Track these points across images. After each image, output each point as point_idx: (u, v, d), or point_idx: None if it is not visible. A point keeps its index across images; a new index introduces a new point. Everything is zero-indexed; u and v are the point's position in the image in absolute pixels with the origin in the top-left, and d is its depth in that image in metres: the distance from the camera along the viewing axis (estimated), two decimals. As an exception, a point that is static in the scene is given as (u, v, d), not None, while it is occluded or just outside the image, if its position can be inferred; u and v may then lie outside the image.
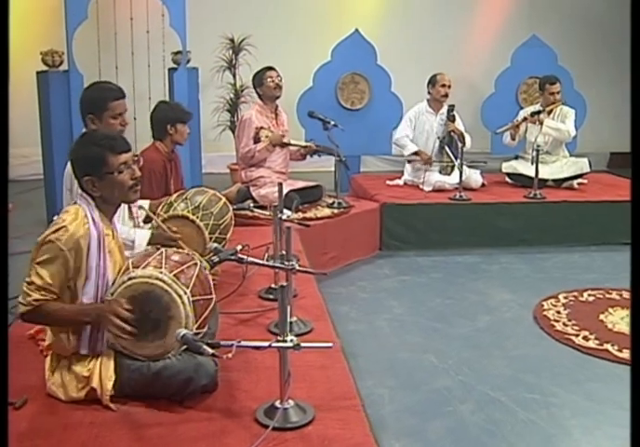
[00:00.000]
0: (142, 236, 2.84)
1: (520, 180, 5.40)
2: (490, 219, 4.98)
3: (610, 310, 3.77)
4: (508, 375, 3.01)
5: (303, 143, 4.94)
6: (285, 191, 4.42)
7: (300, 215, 4.48)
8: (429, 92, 5.46)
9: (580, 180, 5.51)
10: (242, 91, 7.02)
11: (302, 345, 1.93)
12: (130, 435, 1.92)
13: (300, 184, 4.77)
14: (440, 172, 5.35)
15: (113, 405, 2.03)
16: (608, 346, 3.29)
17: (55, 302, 2.03)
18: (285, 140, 4.78)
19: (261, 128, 4.69)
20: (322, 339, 2.50)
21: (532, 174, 5.22)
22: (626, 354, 3.21)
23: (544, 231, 5.03)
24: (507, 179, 5.56)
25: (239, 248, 2.66)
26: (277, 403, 1.99)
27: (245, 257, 2.61)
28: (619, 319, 3.64)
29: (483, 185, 5.41)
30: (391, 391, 2.86)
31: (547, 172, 5.44)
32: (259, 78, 4.76)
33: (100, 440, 1.90)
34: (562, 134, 5.39)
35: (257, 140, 4.67)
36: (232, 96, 7.07)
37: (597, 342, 3.35)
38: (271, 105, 4.81)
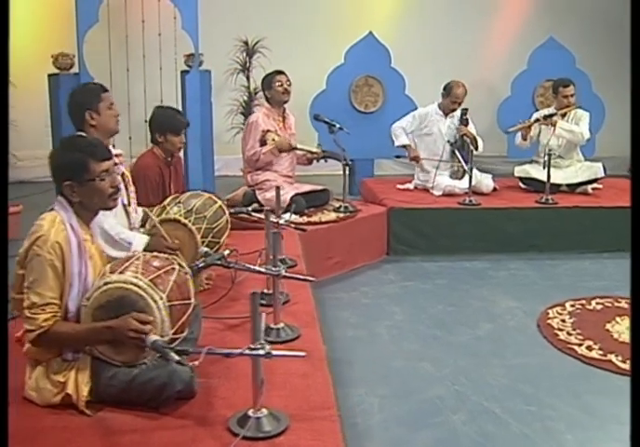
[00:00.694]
0: (140, 241, 2.81)
1: (533, 184, 5.30)
2: (500, 224, 4.89)
3: (618, 319, 3.67)
4: (505, 385, 2.94)
5: (312, 149, 4.88)
6: (290, 195, 4.46)
7: (305, 219, 4.46)
8: (442, 97, 5.38)
9: (594, 185, 5.39)
10: (256, 94, 7.03)
11: (274, 353, 1.89)
12: (102, 441, 1.90)
13: (307, 188, 4.74)
14: (451, 177, 5.27)
15: (89, 411, 2.02)
16: (612, 357, 3.20)
17: (63, 322, 2.02)
18: (292, 144, 4.75)
19: (268, 131, 4.67)
20: (308, 346, 2.46)
21: (545, 179, 5.13)
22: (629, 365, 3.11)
23: (555, 237, 4.93)
24: (520, 183, 5.46)
25: (227, 252, 2.64)
26: (250, 412, 1.95)
27: (232, 262, 2.59)
28: (625, 329, 3.53)
29: (495, 190, 5.32)
30: (382, 400, 2.81)
31: (560, 177, 5.33)
32: (267, 82, 4.74)
33: (71, 444, 1.88)
34: (575, 136, 5.28)
35: (263, 142, 4.65)
36: (245, 98, 7.07)
37: (601, 352, 3.25)
38: (278, 109, 4.79)
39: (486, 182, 5.26)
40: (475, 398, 2.82)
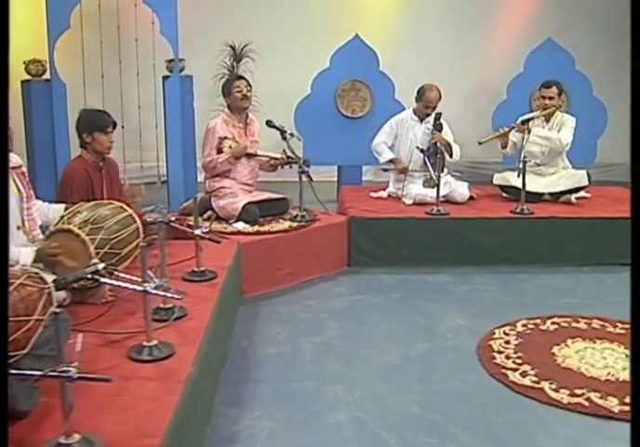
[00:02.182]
0: (26, 254, 2.71)
1: (513, 193, 5.00)
2: (469, 235, 4.63)
3: (569, 342, 3.38)
4: (413, 414, 2.70)
5: (272, 154, 4.73)
6: (242, 203, 4.31)
7: (256, 228, 4.28)
8: (416, 101, 5.16)
9: (580, 194, 5.08)
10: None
11: (77, 375, 1.73)
12: None
13: (263, 196, 4.58)
14: (423, 185, 5.03)
15: None
16: (545, 384, 2.92)
17: None
18: (251, 150, 4.59)
19: (225, 138, 4.52)
20: (175, 366, 2.32)
21: (526, 187, 4.86)
22: (562, 394, 2.84)
23: (530, 249, 4.64)
24: (501, 192, 5.18)
25: (101, 266, 2.49)
26: (61, 439, 1.80)
27: (100, 277, 2.44)
28: (573, 353, 3.25)
29: (472, 198, 5.07)
30: (275, 425, 2.61)
31: (542, 185, 5.04)
32: (227, 88, 4.61)
33: None
34: (552, 143, 4.98)
35: (220, 150, 4.51)
36: (231, 103, 6.95)
37: (535, 379, 2.98)
38: (239, 115, 4.63)
39: (460, 190, 5.00)
40: (374, 426, 2.60)
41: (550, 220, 4.64)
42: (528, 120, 4.95)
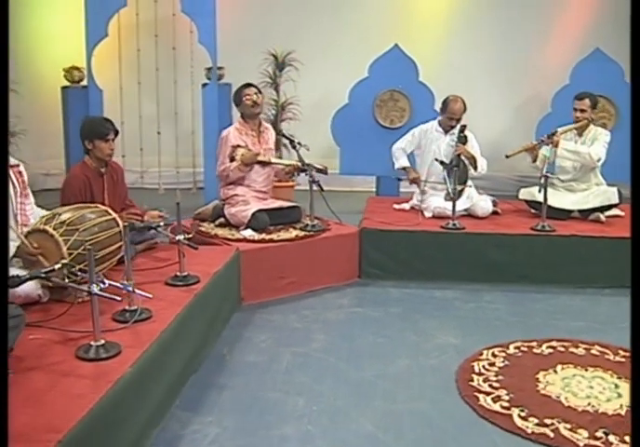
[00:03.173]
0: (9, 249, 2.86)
1: (541, 208, 4.81)
2: (485, 251, 4.49)
3: (558, 368, 3.22)
4: (366, 432, 2.64)
5: (286, 162, 4.77)
6: (252, 210, 4.36)
7: (263, 236, 4.32)
8: (440, 112, 5.08)
9: (613, 212, 4.83)
10: (283, 109, 6.97)
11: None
12: None
13: (275, 204, 4.62)
14: (445, 198, 4.92)
15: None
16: (515, 411, 2.79)
17: None
18: (262, 158, 4.64)
19: (237, 146, 4.58)
20: (114, 367, 2.38)
21: (554, 203, 4.70)
22: (529, 423, 2.71)
23: (549, 268, 4.45)
24: (529, 208, 5.00)
25: (57, 266, 2.59)
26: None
27: (54, 276, 2.53)
28: (558, 380, 3.08)
29: (496, 213, 4.93)
30: (222, 432, 2.62)
31: (570, 202, 4.83)
32: (237, 96, 4.67)
33: None
34: (582, 158, 4.76)
35: (233, 158, 4.57)
36: (273, 112, 7.04)
37: (507, 404, 2.85)
38: (252, 123, 4.68)
39: (481, 204, 4.86)
40: (321, 442, 2.56)
41: (571, 238, 4.44)
42: (554, 133, 4.76)
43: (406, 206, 5.19)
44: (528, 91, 7.05)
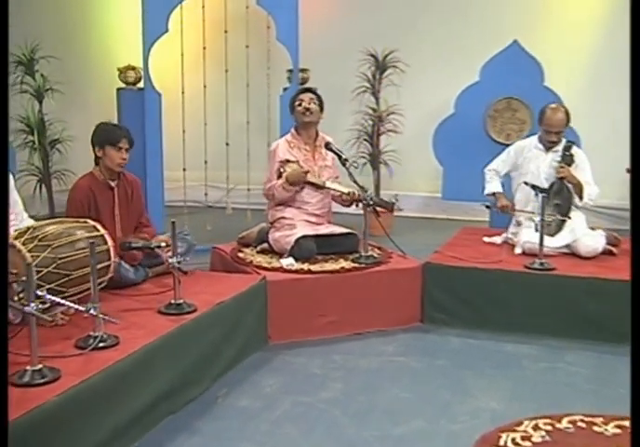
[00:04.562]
0: None
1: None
2: (578, 300, 4.39)
3: (609, 449, 3.14)
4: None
5: (340, 188, 4.86)
6: (296, 236, 4.61)
7: (305, 266, 4.54)
8: (539, 125, 5.09)
9: None
10: (380, 119, 7.16)
11: None
12: None
13: (325, 230, 4.81)
14: (537, 230, 4.88)
15: None
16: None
17: None
18: (314, 179, 4.82)
19: (287, 161, 4.84)
20: (44, 393, 2.67)
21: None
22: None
23: (661, 327, 4.26)
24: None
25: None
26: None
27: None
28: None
29: (611, 253, 4.81)
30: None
31: None
32: (291, 103, 4.94)
33: None
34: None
35: (281, 176, 4.83)
36: (371, 122, 7.27)
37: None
38: (305, 135, 4.92)
39: (586, 241, 4.76)
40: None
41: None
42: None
43: (498, 239, 5.20)
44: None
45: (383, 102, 7.28)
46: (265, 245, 4.93)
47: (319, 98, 4.90)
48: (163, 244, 3.84)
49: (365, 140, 7.34)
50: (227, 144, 6.50)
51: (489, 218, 6.40)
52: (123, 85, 6.37)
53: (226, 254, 4.96)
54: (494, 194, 5.22)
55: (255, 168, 6.53)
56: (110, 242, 3.58)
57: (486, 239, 5.27)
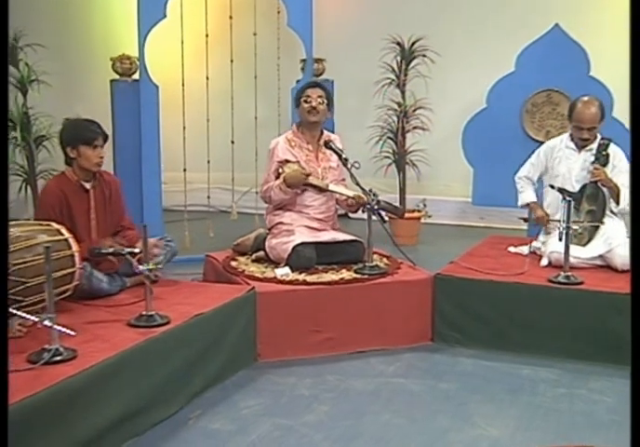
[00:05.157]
0: None
1: None
2: (606, 318, 4.37)
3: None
4: None
5: (345, 191, 4.94)
6: (294, 243, 4.68)
7: (301, 277, 4.60)
8: (568, 121, 5.09)
9: None
10: (406, 115, 7.19)
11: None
12: None
13: (327, 237, 4.86)
14: (560, 239, 4.85)
15: None
16: None
17: None
18: (315, 181, 4.88)
19: (286, 161, 4.92)
20: None
21: None
22: None
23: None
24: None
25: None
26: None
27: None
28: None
29: (649, 267, 4.77)
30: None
31: None
32: (298, 97, 5.01)
33: None
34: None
35: (279, 177, 4.91)
36: (395, 119, 7.31)
37: None
38: (309, 133, 5.00)
39: (621, 251, 4.73)
40: None
41: None
42: None
43: (524, 249, 5.20)
44: None
45: (410, 96, 7.30)
46: (261, 253, 5.00)
47: (328, 95, 4.96)
48: (137, 250, 3.90)
49: (389, 138, 7.36)
50: (232, 143, 6.61)
51: (527, 227, 6.39)
52: (117, 76, 6.46)
53: (219, 263, 5.05)
54: (528, 204, 5.21)
55: (264, 168, 6.60)
56: (75, 247, 3.68)
57: (512, 249, 5.28)
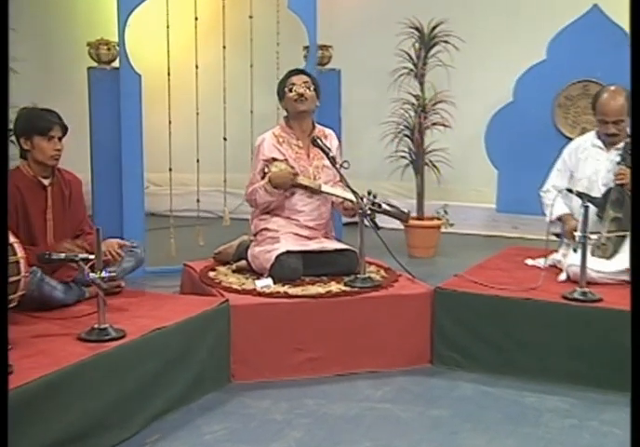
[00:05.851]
0: None
1: None
2: (625, 340, 4.42)
3: None
4: None
5: (341, 193, 5.04)
6: (278, 252, 4.79)
7: (283, 289, 4.70)
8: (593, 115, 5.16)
9: None
10: (425, 110, 7.26)
11: None
12: None
13: (315, 246, 4.96)
14: (575, 251, 4.89)
15: None
16: None
17: None
18: (306, 181, 4.99)
19: (273, 159, 5.03)
20: None
21: None
22: None
23: None
24: None
25: None
26: None
27: None
28: None
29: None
30: None
31: None
32: (281, 88, 5.14)
33: None
34: None
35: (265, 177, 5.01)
36: (412, 114, 7.38)
37: None
38: (299, 128, 5.11)
39: (646, 265, 4.79)
40: None
41: None
42: None
43: (542, 262, 5.25)
44: None
45: (429, 88, 7.37)
46: (244, 262, 5.11)
47: (314, 81, 5.07)
48: (91, 256, 4.01)
49: (405, 135, 7.42)
50: (225, 139, 6.74)
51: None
52: (94, 63, 6.55)
53: (196, 273, 5.18)
54: (560, 218, 5.23)
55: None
56: (20, 253, 3.81)
57: (530, 262, 5.34)
